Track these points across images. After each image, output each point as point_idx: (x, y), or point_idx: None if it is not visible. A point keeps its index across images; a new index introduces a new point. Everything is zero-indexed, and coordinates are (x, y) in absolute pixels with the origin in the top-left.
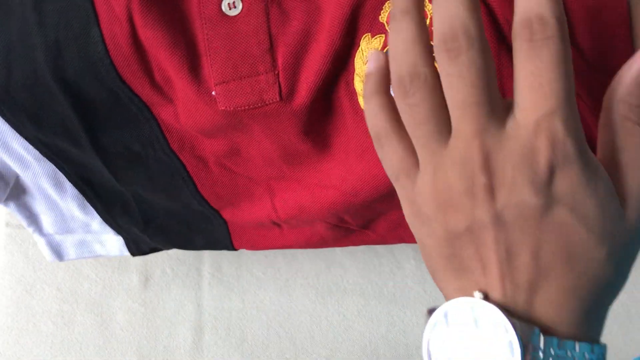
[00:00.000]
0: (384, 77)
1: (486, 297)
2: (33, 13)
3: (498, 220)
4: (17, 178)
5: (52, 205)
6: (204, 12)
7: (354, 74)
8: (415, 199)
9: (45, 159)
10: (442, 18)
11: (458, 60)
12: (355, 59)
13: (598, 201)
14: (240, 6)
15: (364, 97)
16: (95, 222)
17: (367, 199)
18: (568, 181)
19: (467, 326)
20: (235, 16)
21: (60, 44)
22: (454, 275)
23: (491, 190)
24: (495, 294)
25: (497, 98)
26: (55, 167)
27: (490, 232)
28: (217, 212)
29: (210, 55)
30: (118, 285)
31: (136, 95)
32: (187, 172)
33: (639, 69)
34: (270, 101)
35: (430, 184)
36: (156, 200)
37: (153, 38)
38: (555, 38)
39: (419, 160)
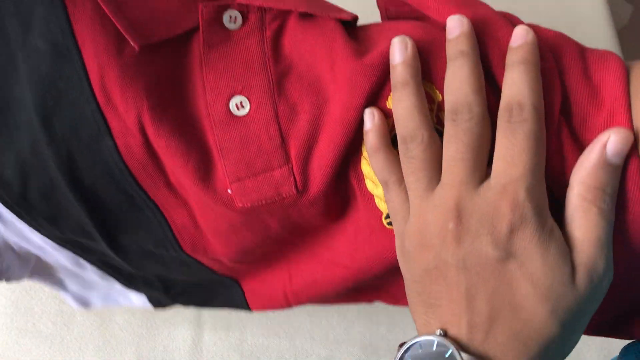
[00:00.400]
0: (384, 135)
1: (446, 334)
2: (41, 130)
3: (461, 263)
4: (38, 258)
5: (74, 275)
6: (212, 114)
7: (361, 157)
8: (404, 237)
9: (64, 248)
10: (452, 92)
11: (458, 126)
12: (364, 141)
13: (547, 262)
14: (248, 106)
15: (368, 151)
16: (117, 286)
17: (376, 275)
18: (523, 240)
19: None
20: (244, 116)
21: (73, 155)
22: (422, 309)
23: (458, 236)
24: (455, 331)
25: (482, 163)
26: (74, 254)
27: (453, 273)
28: (235, 281)
29: (223, 155)
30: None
31: (151, 200)
32: (204, 264)
33: (599, 154)
34: (288, 194)
35: (414, 224)
36: (175, 278)
37: (166, 147)
38: (529, 121)
39: (409, 204)
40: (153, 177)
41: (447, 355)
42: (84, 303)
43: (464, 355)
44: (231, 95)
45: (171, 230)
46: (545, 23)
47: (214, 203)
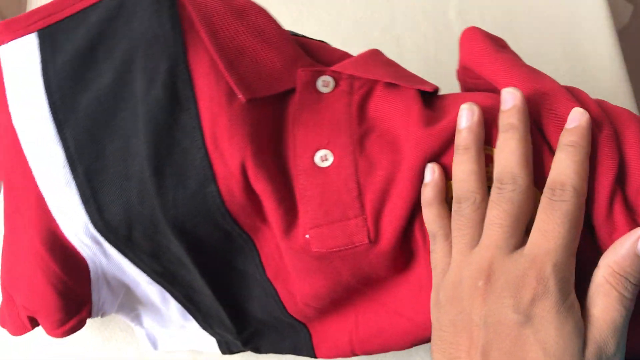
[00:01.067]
0: (440, 190)
1: None
2: (152, 179)
3: (483, 320)
4: (126, 292)
5: (155, 311)
6: (298, 165)
7: None
8: (439, 287)
9: (156, 283)
10: (500, 162)
11: (503, 195)
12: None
13: (561, 334)
14: (331, 159)
15: (423, 203)
16: (192, 325)
17: None
18: (543, 310)
19: None
20: (326, 167)
21: (178, 203)
22: (443, 358)
23: (485, 295)
24: None
25: (519, 230)
26: (162, 289)
27: (475, 328)
28: (304, 325)
29: (304, 202)
30: None
31: (246, 233)
32: (279, 296)
33: (632, 245)
34: (360, 243)
35: (451, 277)
36: (250, 309)
37: (263, 191)
38: (568, 202)
39: (451, 259)
40: (251, 217)
41: None
42: (154, 343)
43: None
44: (317, 149)
45: (259, 255)
46: (546, 23)
47: (293, 245)
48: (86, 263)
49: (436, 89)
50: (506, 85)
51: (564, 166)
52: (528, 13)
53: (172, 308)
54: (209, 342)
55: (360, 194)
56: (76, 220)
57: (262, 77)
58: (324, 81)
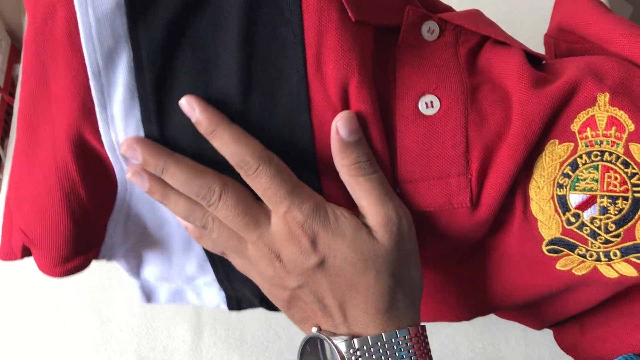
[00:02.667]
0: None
1: (319, 330)
2: (239, 97)
3: (300, 284)
4: (141, 235)
5: (165, 258)
6: (399, 109)
7: (531, 179)
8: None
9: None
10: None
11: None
12: (536, 163)
13: (347, 242)
14: (438, 105)
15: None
16: (204, 279)
17: (516, 304)
18: (323, 241)
19: (317, 350)
20: (431, 116)
21: (262, 132)
22: (302, 325)
23: (285, 269)
24: (324, 326)
25: (254, 209)
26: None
27: (302, 292)
28: None
29: (401, 152)
30: (117, 285)
31: (319, 187)
32: None
33: (337, 140)
34: (460, 205)
35: (257, 277)
36: None
37: (366, 121)
38: (260, 171)
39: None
40: (333, 165)
41: (325, 344)
42: (149, 296)
43: (336, 339)
44: (422, 93)
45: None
46: (546, 23)
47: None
48: (115, 185)
49: (543, 57)
50: (625, 48)
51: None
52: (528, 13)
53: (193, 257)
54: (214, 298)
55: (467, 150)
56: (127, 131)
57: (374, 2)
58: (429, 27)
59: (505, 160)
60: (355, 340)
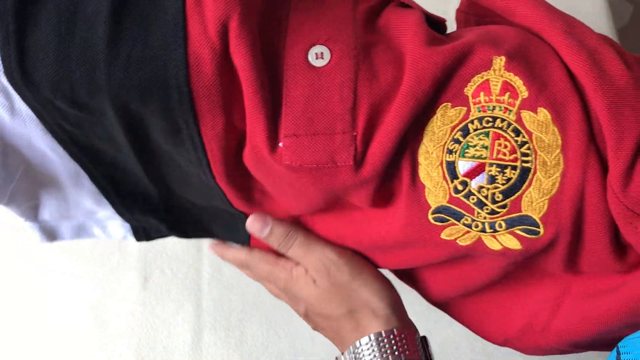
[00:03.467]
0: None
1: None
2: (106, 24)
3: (305, 313)
4: (26, 170)
5: (60, 196)
6: (287, 57)
7: (421, 143)
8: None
9: (71, 159)
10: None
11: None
12: (427, 127)
13: (307, 296)
14: (328, 57)
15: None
16: (104, 212)
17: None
18: (298, 299)
19: None
20: (321, 67)
21: (131, 65)
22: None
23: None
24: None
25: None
26: (79, 167)
27: (312, 320)
28: (246, 215)
29: (286, 104)
30: (117, 285)
31: (199, 136)
32: (226, 197)
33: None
34: (343, 164)
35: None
36: (184, 194)
37: (243, 66)
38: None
39: None
40: (213, 107)
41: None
42: (51, 235)
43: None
44: (313, 43)
45: (209, 167)
46: None
47: (265, 147)
48: None
49: (444, 21)
50: (527, 18)
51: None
52: None
53: (85, 191)
54: (120, 230)
55: (354, 106)
56: None
57: None
58: None
59: (392, 119)
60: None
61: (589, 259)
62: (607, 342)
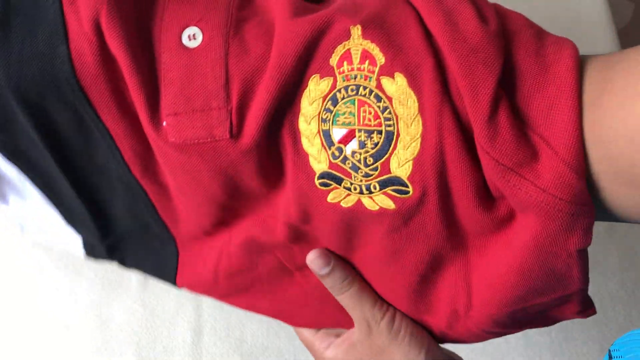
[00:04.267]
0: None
1: None
2: None
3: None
4: None
5: (19, 194)
6: (163, 40)
7: (299, 114)
8: None
9: (11, 163)
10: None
11: None
12: (302, 98)
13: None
14: (200, 38)
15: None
16: (57, 219)
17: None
18: None
19: None
20: (194, 48)
21: (23, 62)
22: None
23: None
24: None
25: None
26: (19, 170)
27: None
28: (173, 239)
29: (164, 85)
30: (117, 285)
31: (101, 121)
32: (149, 196)
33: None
34: (220, 137)
35: None
36: (115, 212)
37: (120, 55)
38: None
39: None
40: (104, 94)
41: None
42: (21, 225)
43: None
44: (186, 25)
45: (120, 153)
46: (546, 22)
47: (151, 128)
48: None
49: None
50: None
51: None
52: (528, 13)
53: (33, 196)
54: (75, 241)
55: (227, 83)
56: None
57: None
58: None
59: (263, 92)
60: None
61: (463, 217)
62: (531, 318)
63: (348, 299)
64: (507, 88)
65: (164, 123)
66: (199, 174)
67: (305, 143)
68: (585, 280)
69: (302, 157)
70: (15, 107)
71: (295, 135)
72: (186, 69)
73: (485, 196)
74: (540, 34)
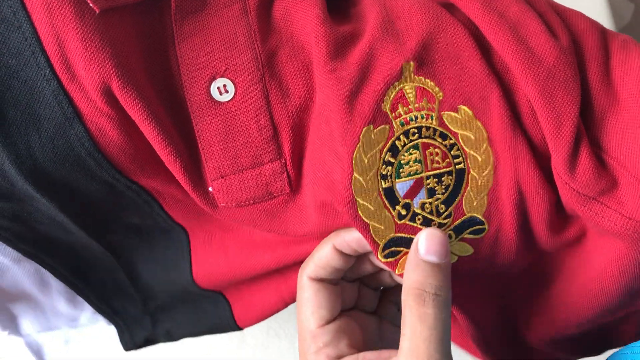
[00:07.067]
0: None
1: None
2: None
3: None
4: None
5: (34, 305)
6: (190, 99)
7: (352, 176)
8: None
9: (26, 258)
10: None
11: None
12: (354, 159)
13: None
14: (233, 90)
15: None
16: (85, 314)
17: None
18: None
19: None
20: (228, 102)
21: (34, 151)
22: None
23: None
24: None
25: None
26: (38, 264)
27: None
28: (220, 293)
29: (203, 148)
30: None
31: (135, 183)
32: (190, 251)
33: (413, 253)
34: (279, 193)
35: None
36: (153, 277)
37: (141, 126)
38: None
39: None
40: (139, 160)
41: None
42: (38, 354)
43: None
44: (213, 78)
45: (159, 204)
46: None
47: (196, 197)
48: None
49: None
50: None
51: None
52: None
53: (55, 293)
54: (109, 336)
55: (276, 133)
56: None
57: None
58: None
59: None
60: None
61: (538, 241)
62: (589, 340)
63: (432, 309)
64: (580, 110)
65: (210, 189)
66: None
67: (363, 212)
68: None
69: (364, 227)
70: (33, 193)
71: (353, 204)
72: (225, 126)
73: (557, 218)
74: (604, 38)
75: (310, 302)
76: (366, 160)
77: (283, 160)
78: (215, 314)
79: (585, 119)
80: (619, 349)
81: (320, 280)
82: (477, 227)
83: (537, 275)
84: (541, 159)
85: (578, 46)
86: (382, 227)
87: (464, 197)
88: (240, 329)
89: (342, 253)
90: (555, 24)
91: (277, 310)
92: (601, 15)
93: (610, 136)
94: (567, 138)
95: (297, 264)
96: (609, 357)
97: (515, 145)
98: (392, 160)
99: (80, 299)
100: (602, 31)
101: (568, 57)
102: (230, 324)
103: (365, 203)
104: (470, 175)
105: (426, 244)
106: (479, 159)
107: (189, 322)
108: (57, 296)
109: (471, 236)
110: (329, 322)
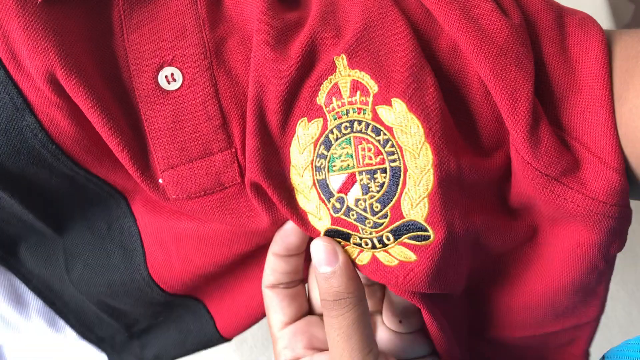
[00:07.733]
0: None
1: None
2: None
3: None
4: None
5: (12, 327)
6: (137, 88)
7: (290, 166)
8: None
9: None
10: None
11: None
12: (291, 148)
13: None
14: (180, 79)
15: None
16: (70, 340)
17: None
18: None
19: None
20: (176, 90)
21: None
22: None
23: None
24: None
25: None
26: (13, 274)
27: None
28: (199, 301)
29: (151, 138)
30: None
31: (94, 175)
32: (141, 240)
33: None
34: (230, 183)
35: None
36: (123, 305)
37: (88, 114)
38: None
39: None
40: (92, 151)
41: None
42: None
43: None
44: (160, 67)
45: (126, 200)
46: None
47: (147, 188)
48: None
49: None
50: None
51: None
52: None
53: (33, 314)
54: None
55: (225, 122)
56: None
57: None
58: None
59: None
60: None
61: (487, 247)
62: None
63: (342, 322)
64: (537, 90)
65: (160, 181)
66: (209, 227)
67: (301, 200)
68: (603, 305)
69: (301, 217)
70: None
71: (290, 192)
72: (173, 115)
73: (504, 221)
74: (560, 17)
75: (268, 308)
76: (301, 152)
77: (233, 150)
78: (200, 330)
79: (545, 100)
80: (615, 346)
81: (275, 287)
82: (419, 232)
83: (491, 276)
84: (487, 155)
85: (532, 25)
86: (319, 217)
87: (402, 198)
88: (227, 340)
89: (281, 256)
90: (506, 3)
91: (262, 316)
92: (601, 15)
93: (571, 116)
94: (524, 113)
95: (259, 257)
96: (605, 353)
97: (455, 136)
98: (325, 153)
99: (61, 322)
100: (557, 10)
101: (520, 34)
102: (215, 337)
103: (302, 192)
104: (407, 174)
105: (316, 257)
106: (417, 156)
107: (175, 344)
108: (36, 317)
109: (413, 242)
110: (287, 324)
